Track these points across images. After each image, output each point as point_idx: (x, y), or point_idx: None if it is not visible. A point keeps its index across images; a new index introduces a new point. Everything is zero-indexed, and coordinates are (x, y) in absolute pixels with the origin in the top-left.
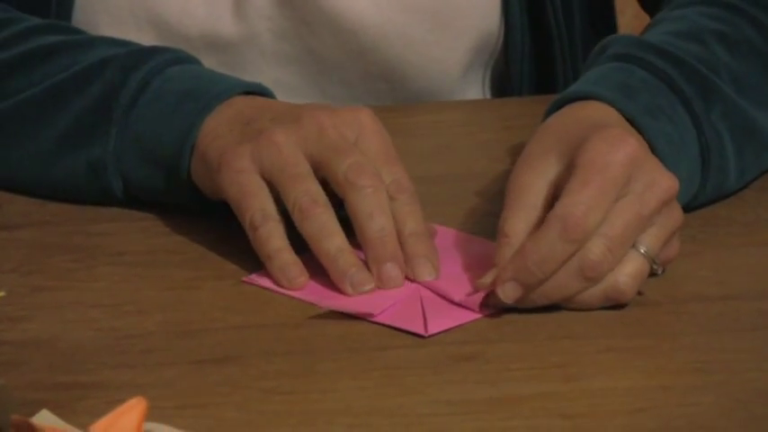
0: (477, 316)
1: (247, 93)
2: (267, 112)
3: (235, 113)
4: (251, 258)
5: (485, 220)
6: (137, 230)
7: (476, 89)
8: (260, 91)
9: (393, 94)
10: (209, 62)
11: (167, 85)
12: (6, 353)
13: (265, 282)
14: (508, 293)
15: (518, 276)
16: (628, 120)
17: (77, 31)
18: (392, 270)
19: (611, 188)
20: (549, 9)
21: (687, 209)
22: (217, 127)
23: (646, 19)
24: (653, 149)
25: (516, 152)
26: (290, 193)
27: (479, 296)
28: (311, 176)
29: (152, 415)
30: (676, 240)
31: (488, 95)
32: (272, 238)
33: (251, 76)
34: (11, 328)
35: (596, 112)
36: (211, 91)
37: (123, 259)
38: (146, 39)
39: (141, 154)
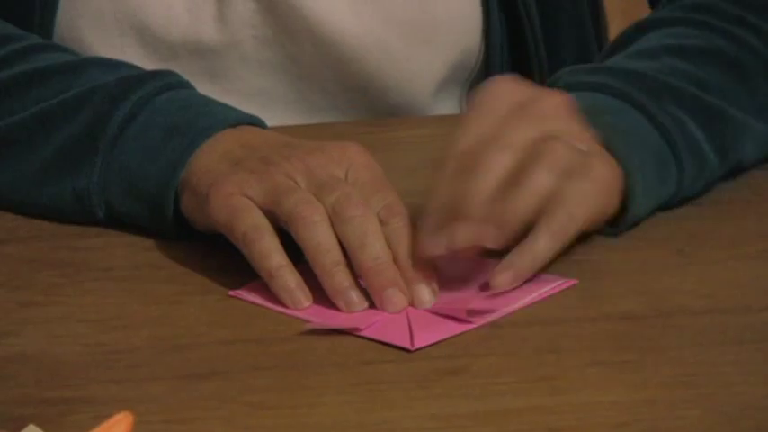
0: (464, 329)
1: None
2: (257, 150)
3: (224, 152)
4: (237, 273)
5: None
6: (123, 246)
7: (451, 105)
8: (251, 121)
9: (371, 106)
10: (192, 68)
11: (154, 118)
12: None
13: (252, 296)
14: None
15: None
16: None
17: (72, 52)
18: (394, 296)
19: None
20: (527, 29)
21: (681, 197)
22: (208, 164)
23: None
24: (602, 140)
25: None
26: (285, 203)
27: (464, 306)
28: (304, 190)
29: (138, 430)
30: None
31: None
32: (273, 254)
33: (233, 82)
34: None
35: None
36: (197, 126)
37: (110, 274)
38: (128, 44)
39: (126, 187)
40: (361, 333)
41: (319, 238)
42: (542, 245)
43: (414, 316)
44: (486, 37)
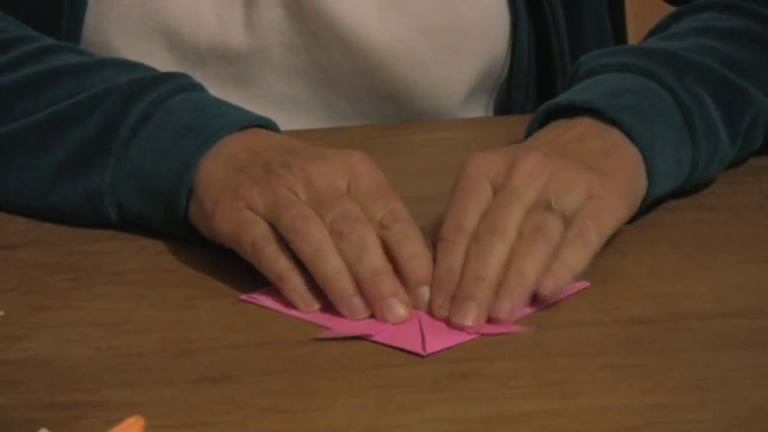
0: (475, 335)
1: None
2: (260, 156)
3: (230, 156)
4: (249, 277)
5: None
6: (135, 250)
7: (478, 114)
8: (261, 123)
9: (399, 113)
10: (219, 74)
11: (168, 118)
12: (5, 372)
13: (264, 300)
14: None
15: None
16: (586, 109)
17: (87, 53)
18: (394, 305)
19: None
20: (553, 35)
21: (693, 181)
22: (213, 171)
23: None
24: (618, 125)
25: None
26: (284, 217)
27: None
28: (304, 204)
29: None
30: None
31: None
32: (281, 258)
33: (259, 88)
34: (9, 348)
35: (545, 132)
36: (210, 126)
37: (122, 279)
38: (156, 49)
39: (138, 187)
40: (374, 338)
41: (318, 248)
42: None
43: (426, 322)
44: (513, 43)
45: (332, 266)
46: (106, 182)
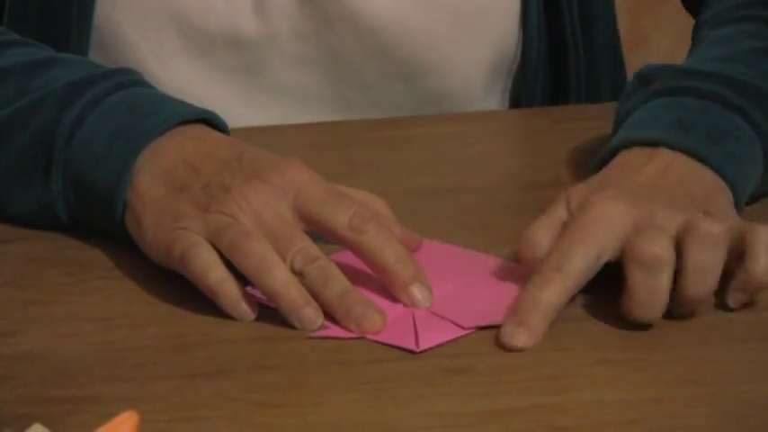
0: (469, 330)
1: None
2: (200, 175)
3: (167, 171)
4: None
5: (477, 233)
6: (128, 244)
7: (496, 99)
8: (203, 117)
9: (412, 95)
10: (229, 62)
11: (101, 122)
12: None
13: (259, 295)
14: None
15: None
16: (688, 153)
17: (44, 48)
18: (369, 314)
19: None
20: (566, 21)
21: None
22: (150, 188)
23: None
24: (723, 176)
25: (509, 164)
26: (224, 237)
27: (473, 315)
28: (255, 235)
29: (144, 428)
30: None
31: (507, 106)
32: (212, 269)
33: (269, 77)
34: (3, 343)
35: (642, 164)
36: (143, 127)
37: (115, 273)
38: (166, 36)
39: (79, 196)
40: (367, 337)
41: (261, 262)
42: None
43: (419, 318)
44: (524, 25)
45: (279, 279)
46: (54, 191)
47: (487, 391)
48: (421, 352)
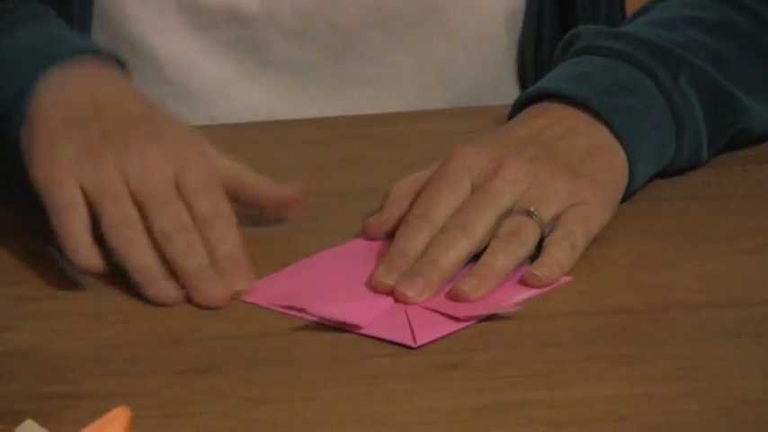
0: (464, 325)
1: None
2: (102, 117)
3: (67, 100)
4: None
5: None
6: None
7: (510, 78)
8: (111, 56)
9: (417, 67)
10: (231, 38)
11: (12, 43)
12: None
13: (257, 296)
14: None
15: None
16: (582, 104)
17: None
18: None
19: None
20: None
21: (665, 174)
22: (51, 111)
23: None
24: (613, 129)
25: None
26: (106, 215)
27: (468, 307)
28: (127, 197)
29: (136, 424)
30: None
31: (514, 78)
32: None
33: (271, 54)
34: None
35: (531, 119)
36: (56, 50)
37: (108, 269)
38: (168, 11)
39: None
40: (362, 331)
41: (132, 250)
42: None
43: (413, 314)
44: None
45: (143, 261)
46: None
47: (480, 387)
48: (418, 347)
